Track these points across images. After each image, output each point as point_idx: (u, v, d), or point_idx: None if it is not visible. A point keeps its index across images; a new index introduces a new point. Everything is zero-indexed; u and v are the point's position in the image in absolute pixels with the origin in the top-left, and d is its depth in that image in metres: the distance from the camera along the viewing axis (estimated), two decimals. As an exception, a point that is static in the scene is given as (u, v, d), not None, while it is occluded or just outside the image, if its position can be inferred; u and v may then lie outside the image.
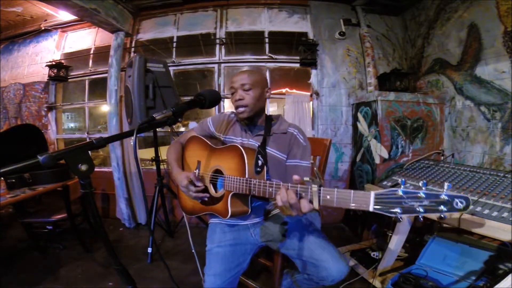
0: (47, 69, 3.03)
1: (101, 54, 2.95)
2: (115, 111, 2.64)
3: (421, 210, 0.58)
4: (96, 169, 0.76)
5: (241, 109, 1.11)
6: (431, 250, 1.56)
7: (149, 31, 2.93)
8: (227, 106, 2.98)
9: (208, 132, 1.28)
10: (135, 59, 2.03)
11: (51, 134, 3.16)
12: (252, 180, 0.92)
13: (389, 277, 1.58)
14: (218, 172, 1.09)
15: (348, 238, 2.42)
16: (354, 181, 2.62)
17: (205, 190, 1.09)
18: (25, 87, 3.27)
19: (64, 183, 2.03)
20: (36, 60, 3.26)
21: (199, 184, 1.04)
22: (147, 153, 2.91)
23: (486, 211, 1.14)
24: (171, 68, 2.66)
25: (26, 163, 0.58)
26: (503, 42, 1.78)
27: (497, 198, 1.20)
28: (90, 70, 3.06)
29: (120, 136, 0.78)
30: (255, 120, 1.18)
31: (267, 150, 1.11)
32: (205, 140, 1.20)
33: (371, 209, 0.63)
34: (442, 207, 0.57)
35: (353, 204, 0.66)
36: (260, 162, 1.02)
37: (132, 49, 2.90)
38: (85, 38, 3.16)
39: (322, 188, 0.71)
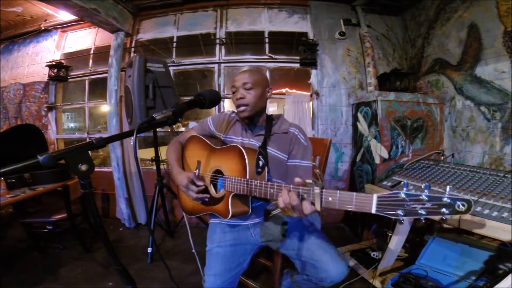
0: (47, 69, 3.03)
1: (101, 54, 2.95)
2: (115, 111, 2.64)
3: (423, 212, 0.59)
4: (96, 169, 0.76)
5: (242, 108, 1.11)
6: (431, 250, 1.56)
7: (149, 31, 2.93)
8: (227, 106, 2.98)
9: (208, 132, 1.28)
10: (135, 59, 2.03)
11: (51, 134, 3.16)
12: (253, 181, 0.92)
13: (389, 277, 1.58)
14: (218, 172, 1.09)
15: (348, 238, 2.42)
16: (354, 181, 2.62)
17: (206, 190, 1.09)
18: (25, 87, 3.27)
19: (64, 183, 2.03)
20: (36, 60, 3.26)
21: (200, 183, 1.04)
22: (147, 153, 2.91)
23: (486, 211, 1.14)
24: (171, 68, 2.66)
25: (26, 163, 0.58)
26: (503, 42, 1.78)
27: (497, 198, 1.20)
28: (90, 70, 3.06)
29: (120, 136, 0.78)
30: (255, 119, 1.18)
31: (268, 150, 1.11)
32: (205, 140, 1.20)
33: (373, 211, 0.63)
34: (444, 210, 0.58)
35: (355, 207, 0.66)
36: (261, 163, 1.02)
37: (132, 49, 2.90)
38: (85, 38, 3.16)
39: (324, 190, 0.71)
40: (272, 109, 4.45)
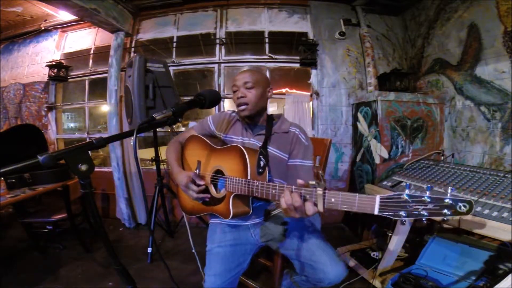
0: (47, 69, 3.03)
1: (101, 54, 2.95)
2: (115, 111, 2.64)
3: (425, 213, 0.60)
4: (96, 169, 0.76)
5: (242, 107, 1.11)
6: (431, 250, 1.56)
7: (149, 31, 2.93)
8: (227, 106, 2.98)
9: (208, 131, 1.28)
10: (135, 59, 2.03)
11: (51, 134, 3.16)
12: (255, 182, 0.92)
13: (389, 277, 1.58)
14: (219, 172, 1.09)
15: (348, 238, 2.42)
16: (354, 181, 2.62)
17: (206, 190, 1.09)
18: (25, 87, 3.27)
19: (64, 183, 2.03)
20: (36, 60, 3.26)
21: (201, 182, 1.04)
22: (147, 153, 2.91)
23: (486, 211, 1.14)
24: (171, 68, 2.66)
25: (26, 163, 0.58)
26: (503, 42, 1.78)
27: (497, 198, 1.20)
28: (90, 70, 3.06)
29: (120, 136, 0.78)
30: (256, 119, 1.18)
31: (268, 150, 1.11)
32: (205, 139, 1.20)
33: (376, 212, 0.64)
34: (445, 211, 0.59)
35: (358, 208, 0.67)
36: (262, 163, 1.01)
37: (132, 49, 2.90)
38: (85, 38, 3.16)
39: (327, 191, 0.71)
40: (272, 109, 4.45)
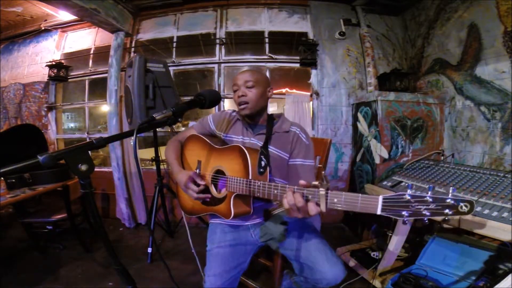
0: (47, 69, 3.02)
1: (101, 54, 2.95)
2: (115, 111, 2.64)
3: (427, 213, 0.61)
4: (96, 169, 0.76)
5: (243, 106, 1.11)
6: (431, 250, 1.56)
7: (149, 31, 2.93)
8: (227, 106, 2.98)
9: (208, 130, 1.28)
10: (135, 59, 2.03)
11: (51, 134, 3.16)
12: (257, 182, 0.92)
13: (389, 277, 1.58)
14: (219, 172, 1.09)
15: (348, 238, 2.42)
16: (354, 181, 2.62)
17: (207, 190, 1.09)
18: (25, 87, 3.27)
19: (64, 183, 2.03)
20: (36, 60, 3.26)
21: (201, 182, 1.04)
22: (147, 153, 2.90)
23: (486, 211, 1.14)
24: (171, 68, 2.66)
25: (26, 163, 0.58)
26: (503, 42, 1.78)
27: (497, 198, 1.20)
28: (90, 70, 3.06)
29: (120, 136, 0.78)
30: (256, 118, 1.18)
31: (269, 150, 1.11)
32: (205, 139, 1.19)
33: (378, 212, 0.64)
34: (447, 211, 0.59)
35: (360, 208, 0.67)
36: (263, 163, 1.01)
37: (132, 49, 2.90)
38: (85, 38, 3.16)
39: (329, 191, 0.71)
40: (272, 109, 4.45)
